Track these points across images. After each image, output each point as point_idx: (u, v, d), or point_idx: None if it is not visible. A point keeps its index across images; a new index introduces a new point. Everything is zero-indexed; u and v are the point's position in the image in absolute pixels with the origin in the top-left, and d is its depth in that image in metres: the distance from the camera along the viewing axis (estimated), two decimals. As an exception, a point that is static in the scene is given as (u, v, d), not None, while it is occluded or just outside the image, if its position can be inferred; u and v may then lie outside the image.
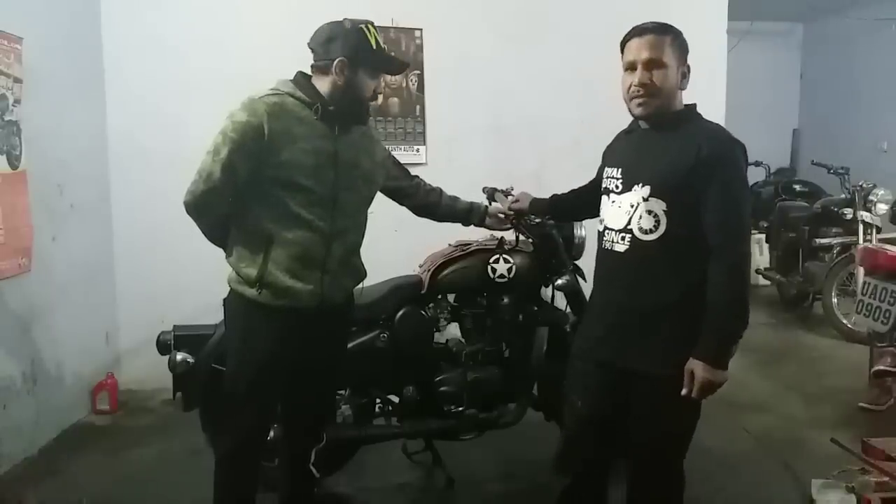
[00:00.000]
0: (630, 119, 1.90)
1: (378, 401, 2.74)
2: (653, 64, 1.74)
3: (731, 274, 1.69)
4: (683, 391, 1.71)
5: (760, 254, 6.44)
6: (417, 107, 4.08)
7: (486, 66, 4.07)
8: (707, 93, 4.44)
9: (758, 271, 6.25)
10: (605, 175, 1.88)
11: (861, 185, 4.95)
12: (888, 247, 3.48)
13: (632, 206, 1.76)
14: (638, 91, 1.75)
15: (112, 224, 3.78)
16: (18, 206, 3.00)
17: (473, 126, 4.12)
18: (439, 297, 2.76)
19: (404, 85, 4.05)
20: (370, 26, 1.98)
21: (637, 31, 1.79)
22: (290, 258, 1.96)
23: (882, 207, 4.81)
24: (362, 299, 2.67)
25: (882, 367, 3.39)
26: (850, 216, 4.96)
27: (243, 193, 1.96)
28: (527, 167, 3.95)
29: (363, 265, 2.22)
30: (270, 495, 2.30)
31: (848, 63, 7.58)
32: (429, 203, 2.48)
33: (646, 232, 1.74)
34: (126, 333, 3.85)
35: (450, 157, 4.09)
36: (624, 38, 1.82)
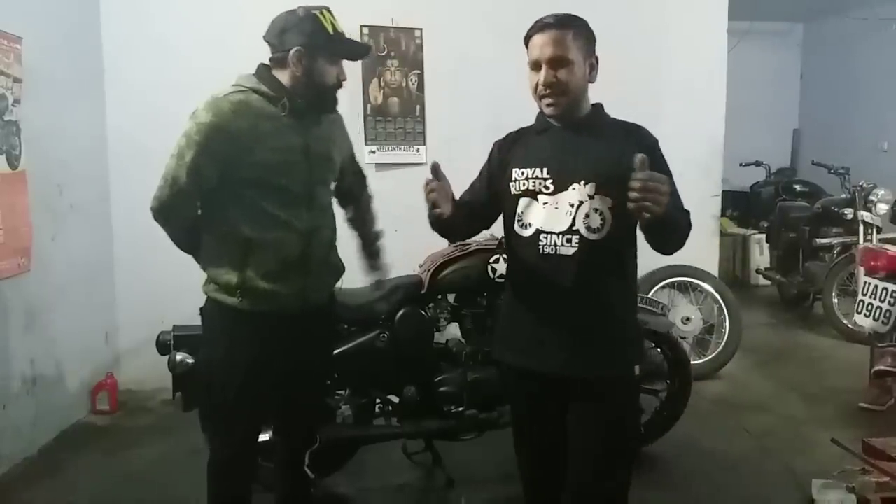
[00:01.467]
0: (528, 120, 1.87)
1: (378, 401, 2.74)
2: (557, 62, 1.65)
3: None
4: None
5: (761, 254, 6.45)
6: (417, 107, 4.07)
7: (486, 66, 4.07)
8: (707, 93, 4.46)
9: (758, 271, 6.27)
10: (521, 177, 1.73)
11: (861, 185, 4.95)
12: (888, 247, 3.49)
13: (572, 206, 1.67)
14: (545, 91, 1.68)
15: (112, 224, 3.78)
16: (18, 205, 3.00)
17: (473, 126, 4.11)
18: (439, 297, 2.77)
19: (404, 85, 4.05)
20: (325, 11, 1.90)
21: (538, 27, 1.70)
22: (270, 261, 1.89)
23: (882, 207, 4.82)
24: (362, 299, 2.67)
25: (882, 367, 3.39)
26: (850, 216, 4.96)
27: (214, 197, 1.89)
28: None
29: (341, 260, 2.15)
30: (269, 496, 2.29)
31: (848, 63, 7.57)
32: (352, 224, 2.36)
33: (593, 231, 1.66)
34: (126, 333, 3.85)
35: (450, 157, 4.04)
36: (526, 34, 1.74)
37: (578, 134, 1.73)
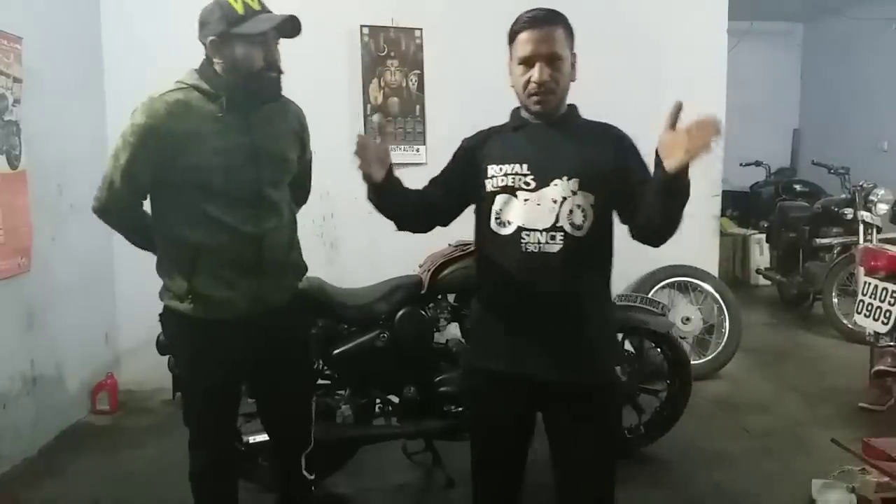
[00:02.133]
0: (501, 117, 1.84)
1: (378, 401, 2.74)
2: (551, 59, 1.63)
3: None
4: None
5: (761, 254, 6.45)
6: (417, 106, 4.07)
7: (486, 66, 4.06)
8: (707, 93, 4.45)
9: (758, 271, 6.27)
10: (499, 173, 1.69)
11: (861, 185, 4.95)
12: (888, 247, 3.48)
13: (555, 202, 1.63)
14: (538, 89, 1.64)
15: (112, 224, 3.79)
16: (18, 206, 3.00)
17: (473, 126, 4.08)
18: (439, 297, 2.76)
19: (404, 85, 4.05)
20: None
21: (530, 23, 1.64)
22: (219, 267, 1.81)
23: (882, 207, 4.81)
24: (362, 299, 2.67)
25: (882, 367, 3.38)
26: (850, 216, 4.96)
27: (159, 201, 1.82)
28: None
29: (303, 259, 2.07)
30: (270, 495, 2.30)
31: (848, 63, 7.57)
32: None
33: (577, 227, 1.63)
34: (125, 333, 3.85)
35: (450, 156, 4.08)
36: (515, 28, 1.67)
37: (557, 130, 1.71)
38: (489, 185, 1.70)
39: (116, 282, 3.85)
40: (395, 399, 2.73)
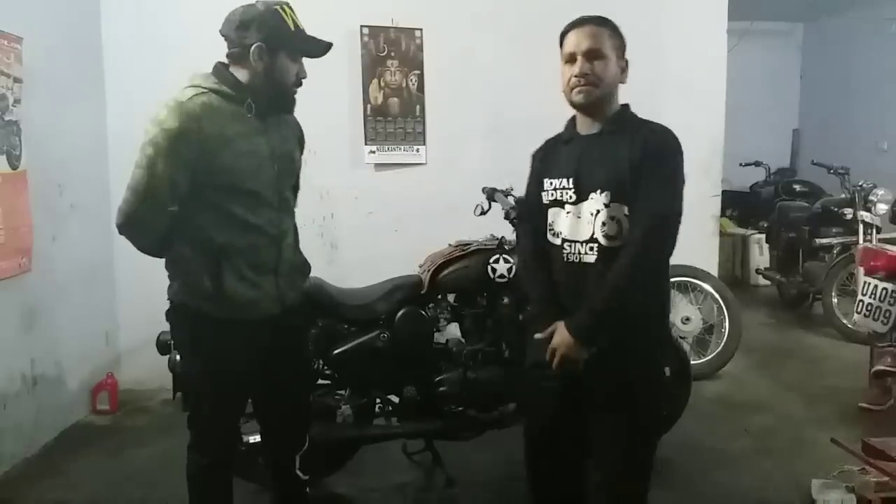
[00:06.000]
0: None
1: (378, 401, 2.75)
2: (593, 54, 1.72)
3: (632, 266, 1.67)
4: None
5: (760, 254, 6.46)
6: (417, 107, 4.07)
7: (486, 66, 4.07)
8: (707, 93, 4.46)
9: (758, 271, 6.27)
10: (550, 187, 1.81)
11: (861, 185, 4.94)
12: (888, 247, 3.48)
13: (592, 215, 1.72)
14: (579, 81, 1.73)
15: (112, 224, 3.74)
16: (19, 206, 3.00)
17: (473, 126, 4.13)
18: (439, 297, 2.77)
19: (404, 85, 4.05)
20: (286, 7, 1.84)
21: (576, 23, 1.78)
22: (244, 268, 1.85)
23: (882, 207, 4.81)
24: (362, 299, 2.68)
25: (882, 367, 3.39)
26: (850, 216, 4.96)
27: (185, 205, 1.82)
28: (527, 167, 3.94)
29: (305, 258, 2.11)
30: (268, 495, 2.30)
31: (848, 63, 7.57)
32: None
33: (611, 238, 1.71)
34: (126, 333, 3.86)
35: (450, 157, 4.09)
36: (563, 31, 1.80)
37: (600, 142, 1.77)
38: (544, 198, 1.83)
39: (117, 282, 3.85)
40: (395, 399, 2.73)
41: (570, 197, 1.75)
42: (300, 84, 1.93)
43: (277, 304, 1.93)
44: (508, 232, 2.68)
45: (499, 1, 4.11)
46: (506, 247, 2.69)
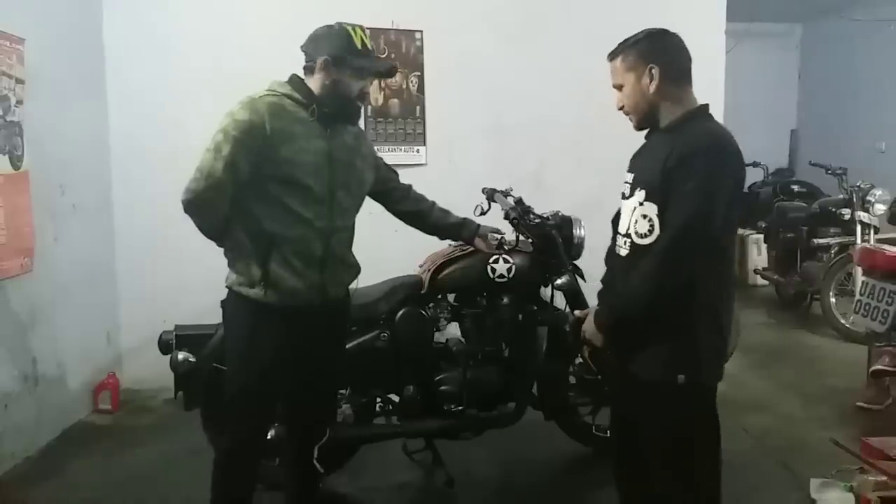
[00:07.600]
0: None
1: (378, 400, 2.76)
2: (617, 87, 1.86)
3: (643, 274, 1.72)
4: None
5: (758, 254, 6.47)
6: (417, 108, 4.09)
7: (486, 67, 4.08)
8: (706, 93, 4.40)
9: (756, 271, 6.28)
10: (624, 181, 1.92)
11: (859, 186, 4.96)
12: (886, 247, 3.49)
13: (631, 211, 1.81)
14: (622, 111, 1.88)
15: (113, 224, 3.78)
16: (20, 206, 3.01)
17: (473, 126, 4.13)
18: (439, 297, 2.78)
19: (404, 86, 4.06)
20: (358, 28, 2.02)
21: (608, 56, 1.90)
22: (292, 257, 1.99)
23: (880, 208, 4.83)
24: (362, 299, 2.69)
25: (880, 367, 3.39)
26: (847, 216, 4.97)
27: (243, 193, 1.98)
28: (527, 167, 3.97)
29: (356, 260, 2.25)
30: (272, 494, 2.31)
31: (847, 63, 7.59)
32: (419, 210, 2.48)
33: (642, 236, 1.76)
34: (127, 333, 3.86)
35: (450, 157, 4.10)
36: None
37: (650, 143, 1.87)
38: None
39: (118, 282, 3.86)
40: (396, 398, 2.74)
41: (626, 192, 1.86)
42: (364, 99, 2.12)
43: (319, 295, 2.06)
44: (508, 232, 2.70)
45: (499, 2, 4.12)
46: (505, 247, 2.67)
